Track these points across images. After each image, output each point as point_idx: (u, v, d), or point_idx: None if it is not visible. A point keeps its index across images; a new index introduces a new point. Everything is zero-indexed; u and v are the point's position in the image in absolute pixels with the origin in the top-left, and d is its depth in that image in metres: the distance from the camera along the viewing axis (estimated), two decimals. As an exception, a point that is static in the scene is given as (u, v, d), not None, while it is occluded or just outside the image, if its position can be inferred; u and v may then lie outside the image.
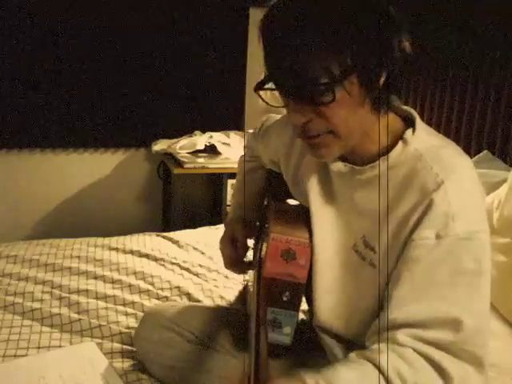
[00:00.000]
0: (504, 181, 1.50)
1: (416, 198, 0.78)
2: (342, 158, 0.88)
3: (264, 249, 0.90)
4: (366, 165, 0.84)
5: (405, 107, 0.88)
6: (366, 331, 0.83)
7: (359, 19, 0.72)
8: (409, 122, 0.85)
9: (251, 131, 1.26)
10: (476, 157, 1.84)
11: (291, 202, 1.10)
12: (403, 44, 0.77)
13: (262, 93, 0.80)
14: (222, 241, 1.16)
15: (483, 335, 0.77)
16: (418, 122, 0.84)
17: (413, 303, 0.76)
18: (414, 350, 0.75)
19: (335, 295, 0.89)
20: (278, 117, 1.13)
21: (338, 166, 0.88)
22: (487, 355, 0.78)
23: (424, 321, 0.75)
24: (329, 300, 0.89)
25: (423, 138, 0.82)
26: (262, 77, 0.79)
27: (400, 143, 0.82)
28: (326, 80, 0.73)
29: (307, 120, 0.78)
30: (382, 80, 0.77)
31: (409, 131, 0.82)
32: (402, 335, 0.75)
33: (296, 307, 0.84)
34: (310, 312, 0.95)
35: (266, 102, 0.80)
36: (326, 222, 0.90)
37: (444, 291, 0.76)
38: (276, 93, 0.80)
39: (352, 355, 0.78)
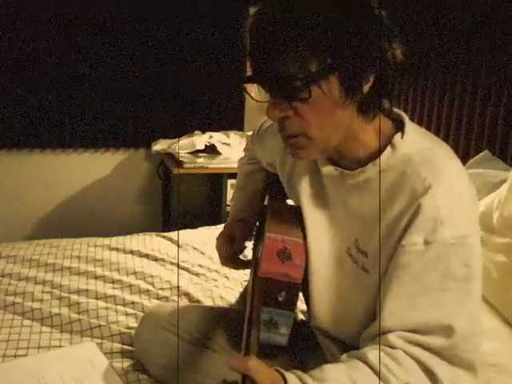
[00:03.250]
0: (504, 181, 1.50)
1: (405, 203, 0.78)
2: (333, 162, 0.88)
3: (261, 249, 0.90)
4: (356, 169, 0.84)
5: (395, 110, 0.87)
6: (360, 334, 0.84)
7: (343, 21, 0.72)
8: (399, 125, 0.85)
9: (250, 133, 1.26)
10: (476, 157, 1.84)
11: (290, 202, 1.10)
12: (394, 49, 0.77)
13: (254, 88, 0.80)
14: (219, 238, 1.16)
15: (473, 340, 0.77)
16: (408, 124, 0.83)
17: (404, 310, 0.77)
18: (405, 352, 0.75)
19: (330, 298, 0.89)
20: None
21: (329, 170, 0.87)
22: (478, 358, 0.78)
23: (415, 327, 0.76)
24: (325, 302, 0.90)
25: (412, 142, 0.82)
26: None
27: (389, 148, 0.81)
28: (301, 76, 0.73)
29: (282, 116, 0.78)
30: (369, 84, 0.76)
31: (397, 135, 0.82)
32: (393, 337, 0.76)
33: (292, 307, 0.84)
34: (309, 313, 0.95)
35: (251, 97, 0.80)
36: (319, 225, 0.90)
37: (435, 297, 0.76)
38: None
39: (343, 356, 0.79)
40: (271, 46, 0.74)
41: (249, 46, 0.78)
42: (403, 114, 0.86)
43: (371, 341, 0.79)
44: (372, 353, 0.75)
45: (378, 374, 0.74)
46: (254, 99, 0.80)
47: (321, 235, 0.90)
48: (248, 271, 1.25)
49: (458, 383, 0.76)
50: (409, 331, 0.76)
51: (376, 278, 0.81)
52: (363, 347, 0.80)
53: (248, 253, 1.18)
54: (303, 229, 0.90)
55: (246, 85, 0.80)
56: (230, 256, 1.14)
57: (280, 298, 0.82)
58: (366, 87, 0.76)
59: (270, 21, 0.74)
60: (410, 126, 0.84)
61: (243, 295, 1.47)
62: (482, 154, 1.85)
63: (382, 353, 0.75)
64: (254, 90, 0.80)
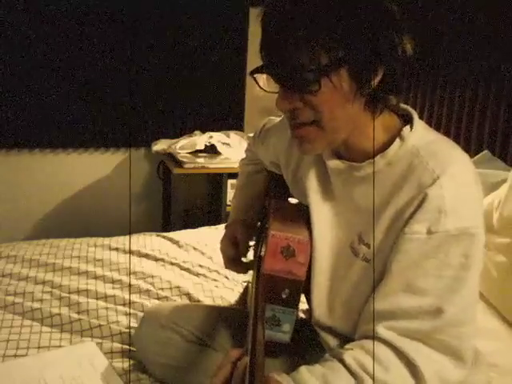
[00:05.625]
0: (504, 181, 1.50)
1: (412, 193, 0.78)
2: (339, 156, 0.89)
3: (263, 247, 0.90)
4: (363, 162, 0.85)
5: (403, 106, 0.88)
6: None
7: (356, 15, 0.72)
8: (407, 120, 0.86)
9: (251, 135, 1.26)
10: (476, 157, 1.84)
11: (291, 200, 1.10)
12: (404, 44, 0.77)
13: (262, 78, 0.80)
14: (223, 241, 1.16)
15: (462, 328, 0.78)
16: (416, 119, 0.85)
17: (399, 294, 0.78)
18: (391, 344, 0.77)
19: (332, 292, 0.90)
20: (278, 119, 1.14)
21: (335, 164, 0.88)
22: (470, 353, 0.79)
23: (407, 311, 0.78)
24: (326, 297, 0.90)
25: (421, 135, 0.83)
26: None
27: (397, 140, 0.82)
28: (312, 68, 0.73)
29: (292, 107, 0.79)
30: (378, 78, 0.76)
31: (406, 128, 0.83)
32: (382, 328, 0.78)
33: (295, 304, 0.84)
34: (310, 309, 0.96)
35: (260, 87, 0.80)
36: (324, 220, 0.91)
37: (430, 283, 0.77)
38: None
39: (326, 355, 0.82)
40: (283, 38, 0.74)
41: (261, 37, 0.78)
42: (412, 110, 0.87)
43: (363, 326, 0.82)
44: (349, 353, 0.78)
45: (353, 374, 0.76)
46: (263, 89, 0.80)
47: (326, 230, 0.90)
48: (248, 272, 1.25)
49: (442, 373, 0.78)
50: (399, 315, 0.78)
51: (377, 267, 0.82)
52: (357, 334, 0.83)
53: (250, 254, 1.18)
54: (308, 225, 0.90)
55: (255, 75, 0.80)
56: (235, 259, 1.13)
57: (283, 295, 0.82)
58: (375, 81, 0.77)
59: (282, 12, 0.74)
60: (419, 121, 0.85)
61: (242, 296, 1.47)
62: (481, 153, 1.85)
63: (361, 351, 0.78)
64: (262, 80, 0.80)
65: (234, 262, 1.14)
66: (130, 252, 1.85)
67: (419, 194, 0.77)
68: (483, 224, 0.79)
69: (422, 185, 0.77)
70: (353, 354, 0.78)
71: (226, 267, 1.15)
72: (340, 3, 0.72)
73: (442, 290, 0.77)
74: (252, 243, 1.17)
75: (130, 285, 1.62)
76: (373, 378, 0.76)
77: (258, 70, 0.79)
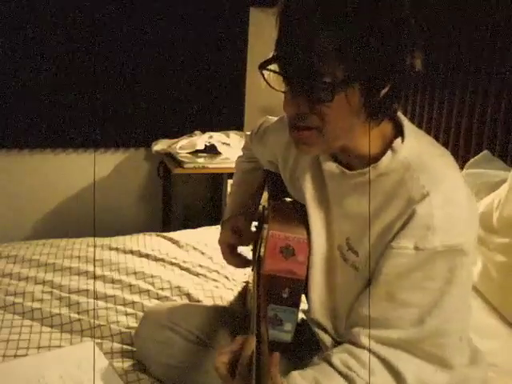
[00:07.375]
0: (504, 181, 1.50)
1: (401, 208, 0.79)
2: (335, 158, 0.89)
3: (263, 248, 0.91)
4: (357, 167, 0.85)
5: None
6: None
7: (380, 32, 0.72)
8: (399, 127, 0.85)
9: (248, 133, 1.26)
10: (476, 157, 1.84)
11: (288, 199, 1.10)
12: (415, 60, 0.77)
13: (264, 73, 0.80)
14: (223, 232, 1.12)
15: (445, 339, 0.80)
16: (407, 128, 0.84)
17: (382, 303, 0.80)
18: (374, 352, 0.79)
19: (324, 293, 0.91)
20: (275, 119, 1.14)
21: (330, 167, 0.89)
22: (454, 358, 0.81)
23: (389, 319, 0.79)
24: (325, 297, 0.91)
25: (412, 146, 0.82)
26: (270, 56, 0.78)
27: (389, 152, 0.82)
28: (329, 80, 0.73)
29: (300, 113, 0.79)
30: (385, 91, 0.76)
31: (398, 140, 0.82)
32: (364, 338, 0.80)
33: (296, 304, 0.85)
34: (308, 307, 0.97)
35: (268, 83, 0.80)
36: (319, 221, 0.92)
37: (414, 294, 0.79)
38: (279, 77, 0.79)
39: (315, 358, 0.84)
40: (309, 45, 0.72)
41: (280, 35, 0.76)
42: (402, 116, 0.87)
43: (348, 330, 0.84)
44: (337, 356, 0.81)
45: (342, 374, 0.78)
46: (270, 85, 0.79)
47: (320, 230, 0.91)
48: (248, 271, 1.25)
49: (423, 378, 0.79)
50: (381, 323, 0.80)
51: (365, 276, 0.83)
52: (344, 336, 0.85)
53: (248, 253, 1.17)
54: (306, 224, 0.91)
55: (264, 72, 0.78)
56: (236, 249, 1.11)
57: (284, 295, 0.83)
58: (381, 94, 0.77)
59: (307, 19, 0.72)
60: (409, 129, 0.84)
61: (241, 294, 1.47)
62: (481, 153, 1.85)
63: (346, 354, 0.80)
64: (266, 76, 0.79)
65: (235, 253, 1.11)
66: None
67: (408, 209, 0.77)
68: (474, 241, 0.80)
69: (411, 200, 0.78)
70: (340, 357, 0.80)
71: (225, 258, 1.12)
72: (366, 19, 0.71)
73: (424, 302, 0.78)
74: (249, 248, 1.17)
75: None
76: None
77: (266, 66, 0.78)
